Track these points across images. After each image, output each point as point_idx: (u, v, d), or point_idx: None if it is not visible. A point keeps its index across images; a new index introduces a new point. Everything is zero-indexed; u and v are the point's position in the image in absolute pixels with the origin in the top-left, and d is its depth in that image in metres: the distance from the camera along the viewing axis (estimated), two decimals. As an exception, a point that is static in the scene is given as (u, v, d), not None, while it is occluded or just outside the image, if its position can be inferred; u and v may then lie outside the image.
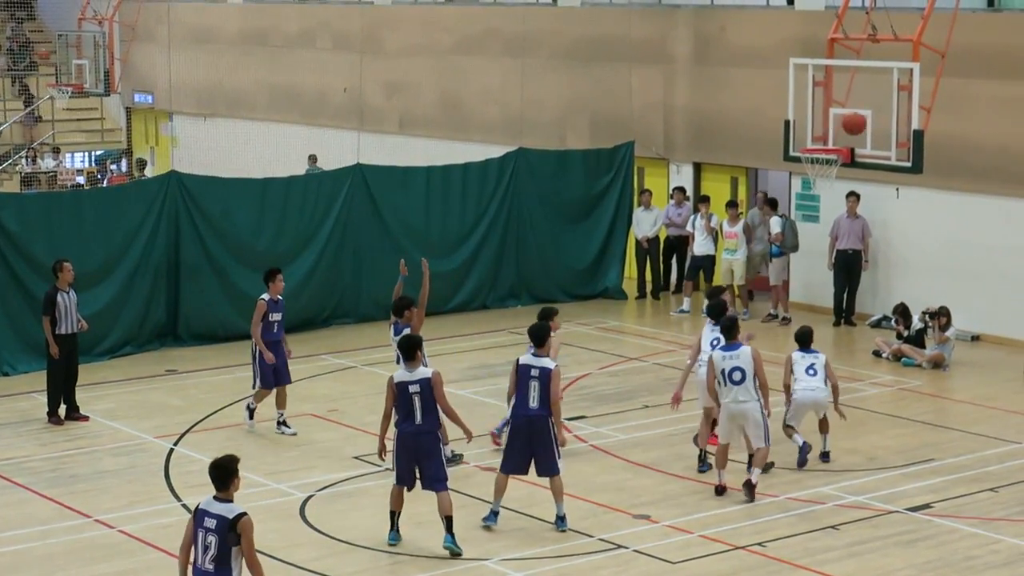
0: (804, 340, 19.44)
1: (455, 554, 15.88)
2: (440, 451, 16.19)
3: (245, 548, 11.60)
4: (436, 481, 16.02)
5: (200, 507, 11.91)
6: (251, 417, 20.76)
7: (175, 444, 20.24)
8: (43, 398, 21.81)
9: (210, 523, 11.67)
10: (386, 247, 27.60)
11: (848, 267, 27.38)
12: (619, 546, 16.29)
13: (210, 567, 11.68)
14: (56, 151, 43.74)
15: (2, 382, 23.54)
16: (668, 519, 17.10)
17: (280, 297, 20.78)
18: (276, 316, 20.65)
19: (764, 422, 17.57)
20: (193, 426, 21.12)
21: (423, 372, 16.24)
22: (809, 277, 28.79)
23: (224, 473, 11.85)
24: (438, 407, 16.19)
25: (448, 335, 26.67)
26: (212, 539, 11.63)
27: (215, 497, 11.82)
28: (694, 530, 16.74)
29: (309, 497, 18.00)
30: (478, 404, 22.07)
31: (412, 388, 16.06)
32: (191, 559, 11.86)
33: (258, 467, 19.05)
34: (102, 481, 18.74)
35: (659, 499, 17.85)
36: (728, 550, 16.09)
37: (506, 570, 15.62)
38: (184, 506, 17.68)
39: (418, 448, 16.03)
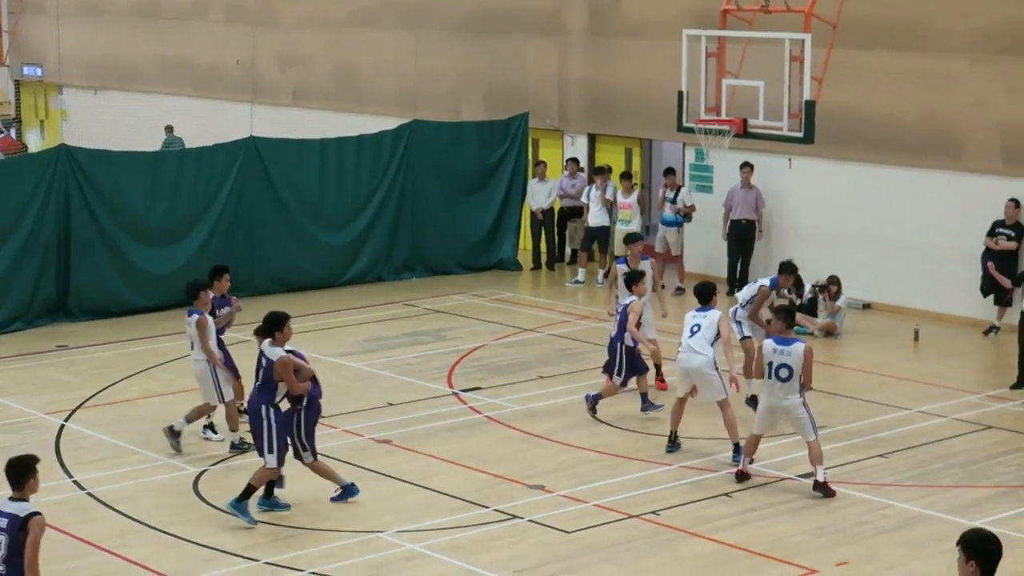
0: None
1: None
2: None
3: (28, 547, 11.33)
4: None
5: None
6: (215, 431, 19.26)
7: (66, 420, 20.01)
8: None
9: (2, 522, 11.43)
10: (280, 220, 27.44)
11: (742, 237, 27.58)
12: (514, 516, 16.31)
13: (1, 567, 11.46)
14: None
15: None
16: (563, 489, 17.14)
17: (227, 294, 19.80)
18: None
19: (809, 415, 16.82)
20: (84, 402, 20.89)
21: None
22: (704, 247, 28.95)
23: (18, 472, 11.57)
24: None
25: (343, 307, 26.58)
26: (2, 538, 11.39)
27: (10, 497, 11.58)
28: (589, 499, 16.79)
29: (203, 472, 17.86)
30: (372, 376, 22.02)
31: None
32: None
33: (151, 442, 18.88)
34: (-8, 458, 18.48)
35: (554, 469, 17.88)
36: (623, 519, 16.16)
37: (401, 542, 15.59)
38: (76, 483, 17.51)
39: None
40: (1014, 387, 21.06)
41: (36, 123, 44.80)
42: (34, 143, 42.85)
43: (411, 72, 33.95)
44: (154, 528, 16.12)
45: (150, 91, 40.89)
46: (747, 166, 27.32)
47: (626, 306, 19.60)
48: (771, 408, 16.96)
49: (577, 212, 29.80)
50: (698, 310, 18.31)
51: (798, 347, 16.63)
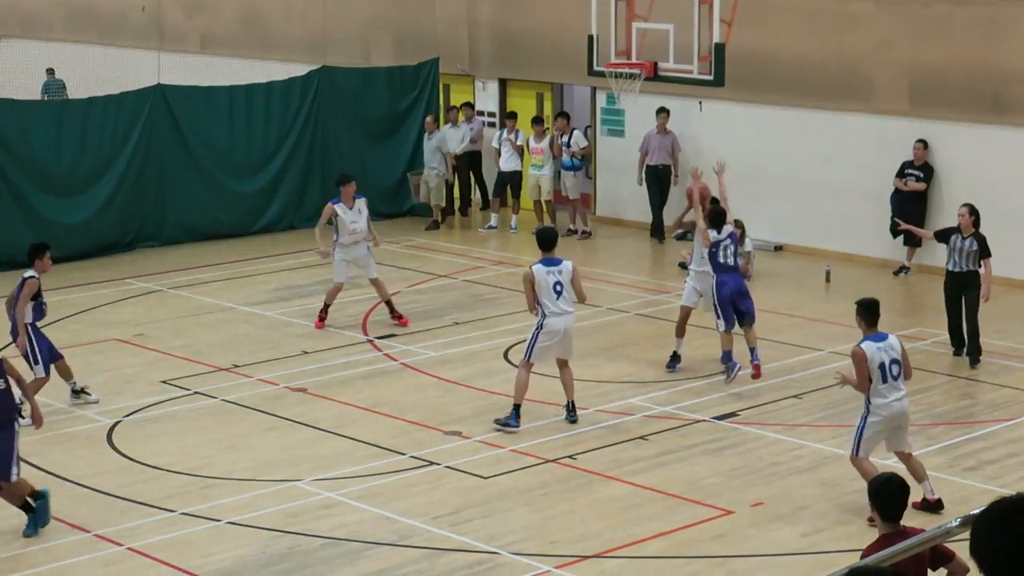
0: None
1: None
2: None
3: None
4: None
5: None
6: (84, 391, 18.58)
7: (-24, 373, 19.77)
8: None
9: None
10: (190, 169, 27.20)
11: (659, 182, 27.61)
12: (431, 463, 16.33)
13: None
14: None
15: None
16: (479, 435, 17.18)
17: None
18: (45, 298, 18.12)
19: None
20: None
21: None
22: (615, 191, 29.01)
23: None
24: None
25: (255, 256, 26.42)
26: None
27: None
28: (505, 445, 16.84)
29: (116, 423, 17.74)
30: (286, 324, 21.94)
31: None
32: None
33: (63, 394, 18.71)
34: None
35: (469, 415, 17.90)
36: (539, 463, 16.23)
37: (318, 489, 15.58)
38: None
39: None
40: (956, 354, 19.99)
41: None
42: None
43: (319, 17, 33.67)
44: (68, 480, 16.00)
45: (54, 39, 40.33)
46: (663, 111, 27.33)
47: None
48: (892, 415, 14.51)
49: (475, 157, 29.80)
50: (547, 263, 17.02)
51: (892, 338, 14.71)
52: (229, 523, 14.78)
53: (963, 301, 19.70)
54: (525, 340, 17.90)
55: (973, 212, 19.54)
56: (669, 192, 27.75)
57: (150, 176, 27.03)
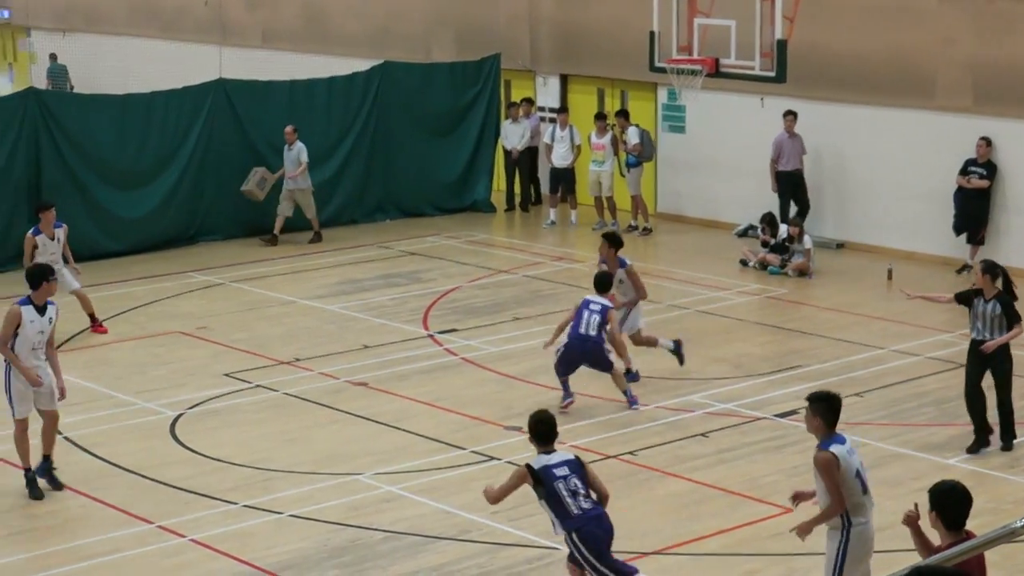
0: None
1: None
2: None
3: None
4: None
5: None
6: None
7: (41, 365, 19.95)
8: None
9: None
10: (251, 163, 27.29)
11: (792, 187, 26.49)
12: (491, 458, 16.37)
13: None
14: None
15: None
16: (539, 430, 17.16)
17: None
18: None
19: None
20: (59, 346, 20.71)
21: None
22: (676, 187, 28.95)
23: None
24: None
25: (317, 250, 26.53)
26: None
27: None
28: (565, 441, 16.77)
29: (179, 415, 17.87)
30: (348, 319, 22.02)
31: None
32: None
33: (127, 386, 18.89)
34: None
35: (529, 410, 17.76)
36: (599, 459, 16.21)
37: (378, 483, 15.65)
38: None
39: None
40: (972, 451, 16.60)
41: (4, 66, 44.47)
42: (2, 87, 42.52)
43: (380, 12, 33.77)
44: (132, 471, 16.13)
45: (117, 33, 40.59)
46: (791, 114, 26.37)
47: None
48: (869, 539, 11.95)
49: (535, 153, 29.82)
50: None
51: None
52: (291, 516, 14.87)
53: (990, 375, 16.61)
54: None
55: (991, 270, 16.41)
56: (807, 197, 26.54)
57: (211, 170, 27.16)
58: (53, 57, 39.99)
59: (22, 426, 15.45)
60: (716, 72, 23.06)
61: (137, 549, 14.17)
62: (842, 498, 11.49)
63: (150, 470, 16.07)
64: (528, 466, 12.19)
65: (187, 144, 27.00)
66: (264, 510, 14.99)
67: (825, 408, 11.53)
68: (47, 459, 15.68)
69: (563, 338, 17.96)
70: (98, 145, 26.18)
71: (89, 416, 17.87)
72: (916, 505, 10.30)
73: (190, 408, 18.13)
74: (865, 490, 11.68)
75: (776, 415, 17.60)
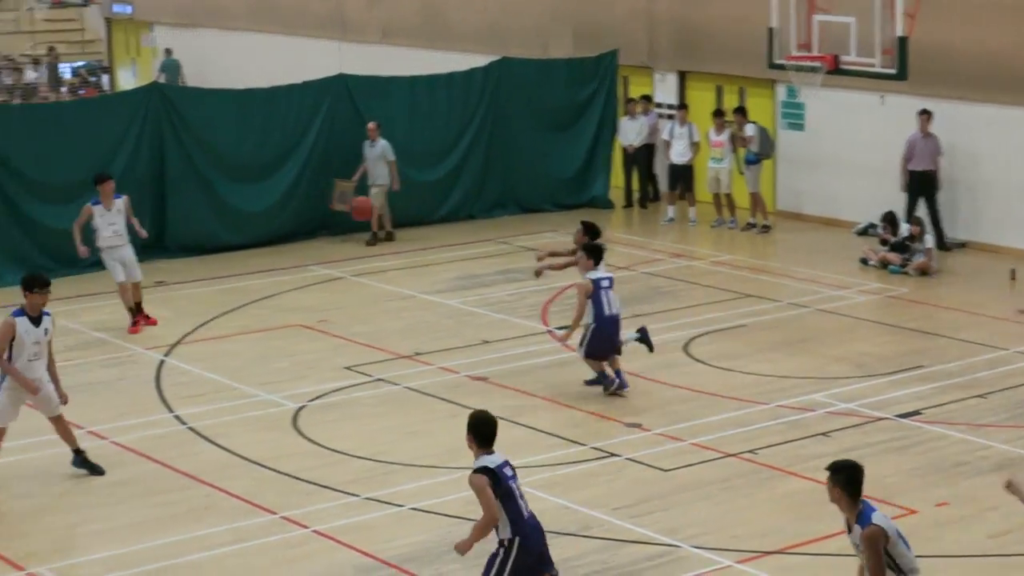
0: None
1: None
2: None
3: None
4: None
5: None
6: None
7: (165, 355, 20.24)
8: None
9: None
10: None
11: (922, 188, 25.90)
12: (611, 454, 16.37)
13: None
14: (37, 62, 43.40)
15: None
16: (659, 427, 17.17)
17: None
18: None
19: None
20: (183, 338, 21.10)
21: None
22: (795, 185, 28.77)
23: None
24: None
25: (436, 245, 26.66)
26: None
27: None
28: (685, 438, 16.82)
29: (301, 408, 18.03)
30: (467, 314, 22.10)
31: None
32: None
33: (249, 377, 19.10)
34: (94, 393, 18.74)
35: (650, 407, 17.90)
36: (719, 458, 16.18)
37: (499, 478, 15.69)
38: (177, 417, 17.73)
39: None
40: None
41: (128, 61, 45.07)
42: (126, 81, 43.15)
43: (498, 8, 33.84)
44: (254, 462, 16.31)
45: (238, 28, 40.99)
46: (925, 113, 25.86)
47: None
48: None
49: (652, 150, 29.76)
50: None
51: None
52: (411, 509, 14.95)
53: None
54: (703, 333, 17.84)
55: None
56: (936, 201, 26.00)
57: (332, 164, 27.33)
58: (168, 52, 40.77)
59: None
60: (836, 69, 22.90)
61: (261, 539, 14.33)
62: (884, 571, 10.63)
63: (273, 461, 16.23)
64: (484, 468, 11.71)
65: (307, 139, 27.22)
66: (385, 503, 15.09)
67: (845, 479, 10.66)
68: (77, 452, 16.03)
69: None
70: (219, 139, 26.48)
71: (212, 407, 18.10)
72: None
73: (311, 400, 18.28)
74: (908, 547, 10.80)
75: (898, 415, 17.44)
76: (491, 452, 11.86)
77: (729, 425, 17.23)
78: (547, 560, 11.90)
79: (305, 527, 14.57)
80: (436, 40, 35.22)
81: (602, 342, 18.22)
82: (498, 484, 11.66)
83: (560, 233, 27.45)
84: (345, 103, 27.59)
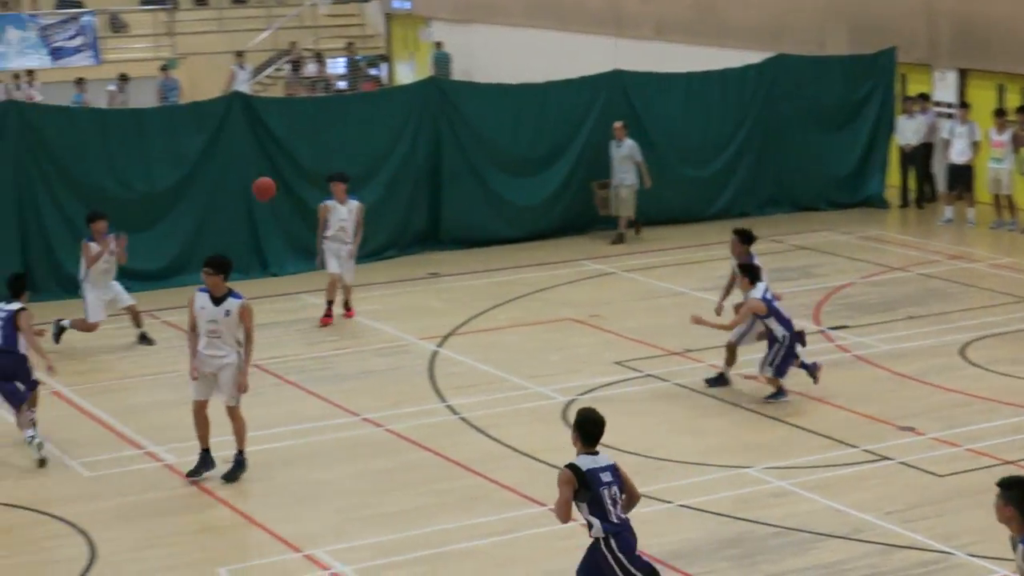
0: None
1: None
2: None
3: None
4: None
5: None
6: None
7: (439, 346, 20.54)
8: (310, 298, 22.40)
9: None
10: (647, 154, 27.42)
11: None
12: (884, 457, 16.12)
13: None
14: (318, 57, 44.40)
15: (271, 282, 24.08)
16: (934, 431, 16.85)
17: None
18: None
19: None
20: (456, 329, 21.40)
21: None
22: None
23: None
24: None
25: (708, 242, 26.52)
26: None
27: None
28: (961, 443, 16.47)
29: (571, 401, 18.14)
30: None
31: None
32: None
33: (520, 370, 19.27)
34: (368, 381, 19.14)
35: (924, 411, 17.57)
36: (996, 464, 15.77)
37: (768, 478, 15.57)
38: (449, 407, 17.98)
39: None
40: None
41: (406, 56, 45.86)
42: (405, 76, 43.91)
43: (775, 4, 33.53)
44: (524, 454, 16.46)
45: (514, 24, 41.37)
46: None
47: None
48: None
49: (929, 149, 29.15)
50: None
51: None
52: (680, 506, 14.93)
53: None
54: (981, 337, 17.44)
55: None
56: None
57: (604, 160, 27.34)
58: (438, 45, 41.53)
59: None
60: None
61: (531, 530, 14.46)
62: None
63: (543, 453, 16.35)
64: (573, 467, 11.41)
65: (581, 134, 27.33)
66: (654, 498, 15.07)
67: (1020, 496, 9.80)
68: (205, 450, 16.01)
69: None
70: (494, 133, 26.77)
71: (484, 398, 18.32)
72: None
73: (581, 395, 18.37)
74: None
75: None
76: (594, 452, 11.58)
77: (1008, 431, 16.81)
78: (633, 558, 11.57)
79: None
80: (710, 36, 35.05)
81: (789, 357, 17.92)
82: (586, 487, 11.41)
83: (834, 232, 27.16)
84: (619, 99, 27.64)
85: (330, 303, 21.74)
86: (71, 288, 22.22)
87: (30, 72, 39.71)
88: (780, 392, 17.96)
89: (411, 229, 26.05)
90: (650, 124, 27.73)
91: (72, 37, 42.32)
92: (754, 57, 29.84)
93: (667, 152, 27.73)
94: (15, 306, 16.95)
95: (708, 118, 28.43)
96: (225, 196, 24.46)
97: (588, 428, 11.53)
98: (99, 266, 20.52)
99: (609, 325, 21.33)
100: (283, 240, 24.77)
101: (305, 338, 21.14)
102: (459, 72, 40.52)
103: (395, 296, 23.32)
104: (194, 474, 15.79)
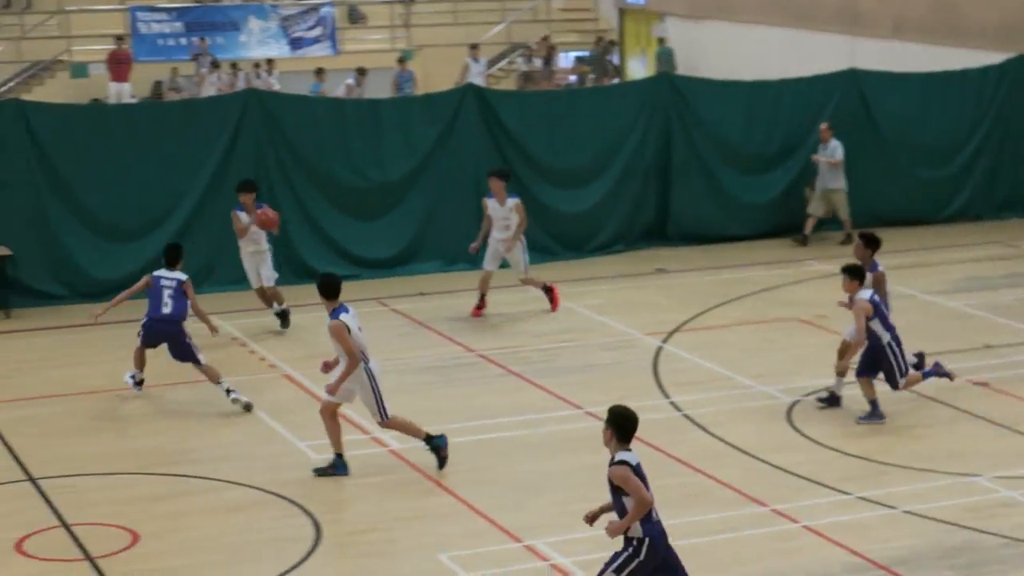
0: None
1: None
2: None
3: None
4: None
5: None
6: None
7: (663, 342, 20.53)
8: (534, 290, 22.50)
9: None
10: (877, 154, 27.03)
11: None
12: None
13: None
14: (551, 51, 44.59)
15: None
16: None
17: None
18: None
19: None
20: (681, 325, 21.36)
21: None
22: None
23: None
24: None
25: (940, 244, 26.09)
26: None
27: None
28: None
29: (795, 402, 17.98)
30: (968, 317, 21.56)
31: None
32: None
33: (744, 368, 19.17)
34: (592, 374, 19.21)
35: None
36: None
37: (998, 487, 15.27)
38: (672, 403, 17.97)
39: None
40: None
41: (638, 51, 45.81)
42: (636, 71, 43.89)
43: (1016, 4, 32.75)
44: (746, 453, 16.38)
45: (746, 21, 41.06)
46: None
47: None
48: None
49: None
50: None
51: None
52: (904, 512, 14.71)
53: None
54: None
55: None
56: None
57: (846, 161, 26.90)
58: (661, 41, 41.24)
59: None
60: None
61: (752, 530, 14.38)
62: None
63: (765, 453, 16.25)
64: (626, 463, 11.58)
65: (814, 133, 27.01)
66: (877, 503, 14.90)
67: None
68: (337, 456, 16.10)
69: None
70: (726, 130, 26.65)
71: (707, 396, 18.27)
72: None
73: (806, 395, 18.20)
74: None
75: None
76: (629, 449, 11.68)
77: None
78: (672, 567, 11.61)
79: (796, 522, 14.54)
80: (948, 36, 34.36)
81: (904, 360, 17.40)
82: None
83: (1073, 239, 26.52)
84: (855, 99, 27.28)
85: (482, 295, 22.01)
86: (304, 275, 22.66)
87: (269, 61, 40.63)
88: (875, 413, 17.38)
89: (639, 224, 26.05)
90: (883, 124, 27.32)
91: (311, 27, 43.16)
92: (992, 58, 29.21)
93: (898, 153, 27.29)
94: (181, 275, 17.90)
95: (944, 119, 27.90)
96: (455, 187, 24.71)
97: (624, 424, 11.74)
98: (250, 235, 21.18)
99: (835, 326, 21.03)
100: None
101: (530, 330, 21.28)
102: (684, 68, 40.25)
103: (621, 291, 23.34)
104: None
